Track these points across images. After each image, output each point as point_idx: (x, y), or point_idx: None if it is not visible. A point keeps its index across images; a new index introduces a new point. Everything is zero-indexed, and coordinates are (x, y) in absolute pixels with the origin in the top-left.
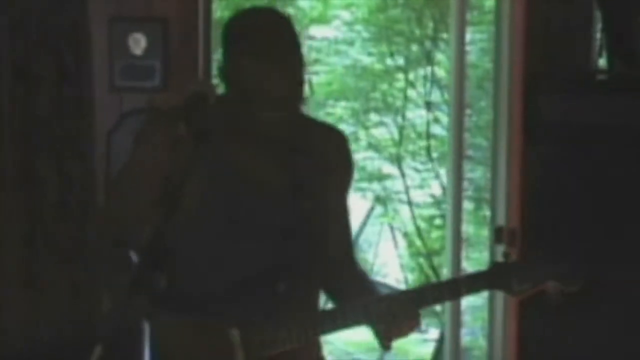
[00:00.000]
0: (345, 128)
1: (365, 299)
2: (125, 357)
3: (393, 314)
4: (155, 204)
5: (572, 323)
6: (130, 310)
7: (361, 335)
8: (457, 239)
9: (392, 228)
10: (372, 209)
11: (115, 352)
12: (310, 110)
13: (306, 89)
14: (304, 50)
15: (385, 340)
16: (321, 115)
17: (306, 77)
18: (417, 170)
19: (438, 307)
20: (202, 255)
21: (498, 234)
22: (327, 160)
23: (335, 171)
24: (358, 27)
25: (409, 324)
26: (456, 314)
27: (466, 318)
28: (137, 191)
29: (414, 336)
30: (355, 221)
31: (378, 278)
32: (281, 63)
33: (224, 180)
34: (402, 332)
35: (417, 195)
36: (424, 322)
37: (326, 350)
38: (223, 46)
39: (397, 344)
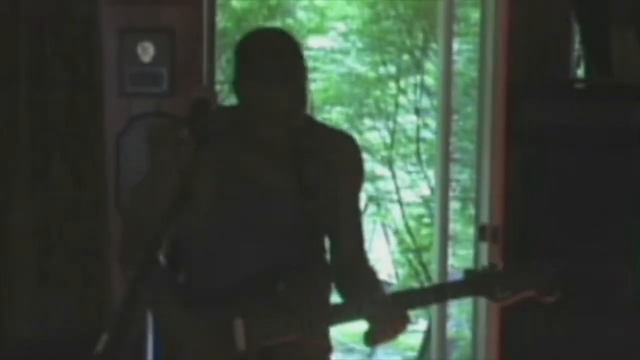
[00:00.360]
0: None
1: (361, 298)
2: (130, 346)
3: (383, 315)
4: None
5: (552, 316)
6: (135, 301)
7: (355, 326)
8: (445, 236)
9: (384, 226)
10: (365, 208)
11: (120, 342)
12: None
13: (308, 106)
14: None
15: (372, 339)
16: (318, 119)
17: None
18: (407, 172)
19: None
20: (210, 254)
21: (482, 232)
22: (337, 164)
23: (345, 174)
24: (353, 37)
25: (396, 326)
26: (443, 307)
27: (452, 311)
28: (159, 194)
29: None
30: None
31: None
32: (285, 87)
33: (229, 182)
34: (390, 334)
35: (407, 195)
36: (413, 314)
37: None
38: (234, 64)
39: None
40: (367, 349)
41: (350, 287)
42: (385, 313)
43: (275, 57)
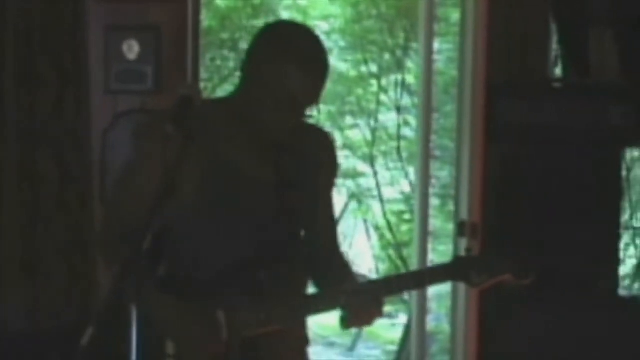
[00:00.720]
0: None
1: (338, 287)
2: (114, 338)
3: (360, 303)
4: (154, 199)
5: (531, 309)
6: (119, 294)
7: (336, 319)
8: (424, 233)
9: (365, 222)
10: (347, 204)
11: (106, 334)
12: None
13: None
14: None
15: (346, 324)
16: None
17: None
18: (388, 169)
19: (407, 295)
20: (193, 246)
21: (461, 228)
22: (315, 158)
23: (322, 169)
24: (335, 36)
25: (372, 313)
26: (422, 301)
27: (432, 305)
28: (141, 189)
29: (384, 321)
30: None
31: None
32: (319, 78)
33: (213, 174)
34: (365, 321)
35: (388, 192)
36: (393, 308)
37: None
38: (259, 48)
39: (369, 328)
40: (347, 343)
41: (325, 278)
42: (358, 302)
43: (318, 47)
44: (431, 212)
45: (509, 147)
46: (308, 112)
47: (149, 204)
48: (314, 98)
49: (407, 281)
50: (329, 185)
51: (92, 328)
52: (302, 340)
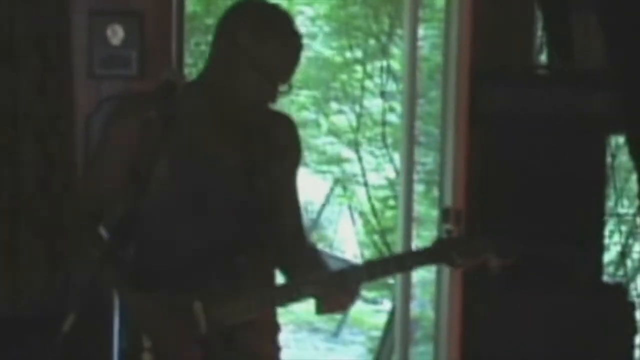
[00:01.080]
0: (308, 115)
1: (316, 274)
2: (96, 325)
3: (326, 294)
4: (125, 183)
5: (515, 296)
6: (100, 282)
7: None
8: (409, 218)
9: (350, 208)
10: (332, 190)
11: (87, 321)
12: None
13: None
14: None
15: (321, 310)
16: (286, 102)
17: None
18: (373, 155)
19: (391, 281)
20: (165, 232)
21: (445, 214)
22: (279, 143)
23: (286, 154)
24: (320, 22)
25: (346, 298)
26: (406, 287)
27: (417, 291)
28: (109, 170)
29: (368, 307)
30: (317, 201)
31: (337, 253)
32: (294, 54)
33: (183, 160)
34: (340, 305)
35: (373, 178)
36: (378, 294)
37: (287, 319)
38: (241, 25)
39: (353, 314)
40: (332, 329)
41: (296, 267)
42: (328, 291)
43: (293, 24)
44: (416, 198)
45: (494, 134)
46: (281, 91)
47: (117, 186)
48: (288, 74)
49: (389, 265)
50: (293, 170)
51: (72, 314)
52: (273, 327)
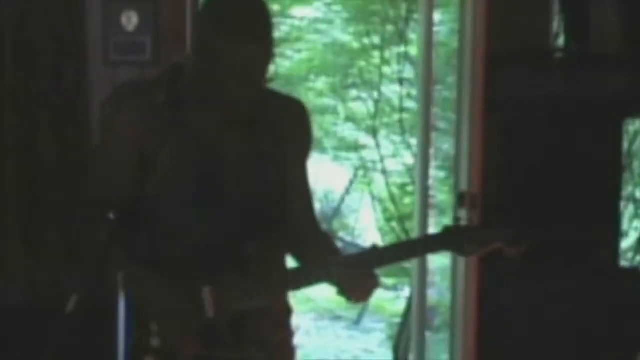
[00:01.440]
0: (326, 102)
1: (327, 259)
2: (102, 308)
3: (352, 274)
4: (134, 168)
5: (530, 280)
6: (106, 264)
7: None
8: (425, 205)
9: (371, 195)
10: (354, 178)
11: (92, 303)
12: (293, 84)
13: (272, 70)
14: (287, 29)
15: (349, 298)
16: (303, 89)
17: (274, 59)
18: (391, 141)
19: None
20: (174, 217)
21: (461, 199)
22: (288, 129)
23: (295, 140)
24: (337, 7)
25: (367, 285)
26: (422, 274)
27: (435, 279)
28: (117, 155)
29: (389, 294)
30: (337, 189)
31: (359, 241)
32: (251, 45)
33: (191, 147)
34: (362, 295)
35: (391, 164)
36: (397, 281)
37: (309, 307)
38: (200, 22)
39: (374, 301)
40: (353, 317)
41: (308, 252)
42: (352, 273)
43: (245, 16)
44: (435, 184)
45: (509, 118)
46: (264, 80)
47: (125, 171)
48: (255, 65)
49: (400, 251)
50: (304, 156)
51: (75, 295)
52: (285, 312)
